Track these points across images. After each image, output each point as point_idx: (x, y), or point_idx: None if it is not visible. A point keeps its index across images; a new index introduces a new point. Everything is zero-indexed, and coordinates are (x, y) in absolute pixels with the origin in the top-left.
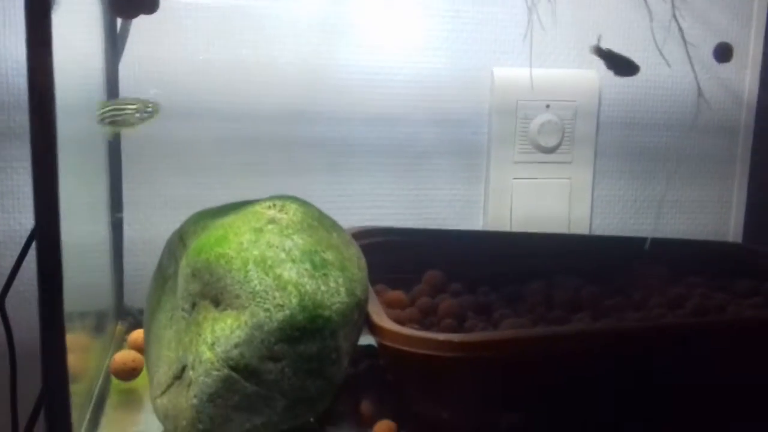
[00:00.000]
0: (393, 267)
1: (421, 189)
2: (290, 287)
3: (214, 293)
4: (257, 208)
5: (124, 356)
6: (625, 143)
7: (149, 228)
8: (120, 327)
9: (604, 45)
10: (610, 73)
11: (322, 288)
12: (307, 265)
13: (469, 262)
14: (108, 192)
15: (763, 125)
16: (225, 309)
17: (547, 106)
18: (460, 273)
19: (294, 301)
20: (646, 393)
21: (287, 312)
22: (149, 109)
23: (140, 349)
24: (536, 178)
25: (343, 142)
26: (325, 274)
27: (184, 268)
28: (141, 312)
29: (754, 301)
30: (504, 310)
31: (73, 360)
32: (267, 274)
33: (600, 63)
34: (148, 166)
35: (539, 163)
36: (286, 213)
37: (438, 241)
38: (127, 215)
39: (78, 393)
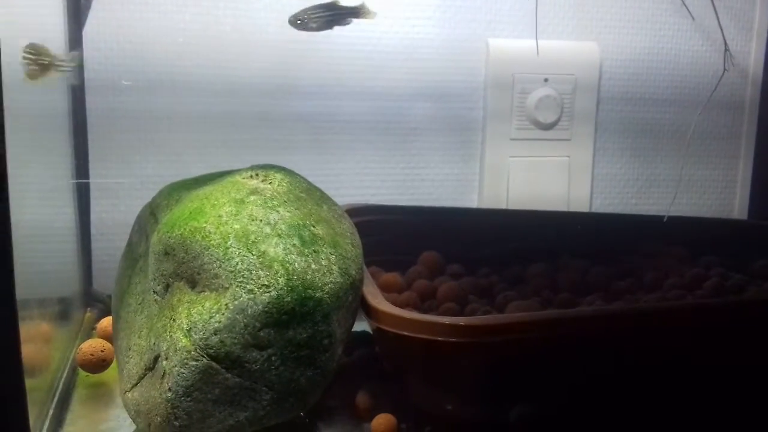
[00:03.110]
0: (386, 247)
1: (412, 167)
2: (276, 265)
3: (189, 273)
4: (237, 177)
5: (92, 346)
6: (627, 119)
7: (120, 208)
8: (89, 314)
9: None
10: (611, 46)
11: (313, 266)
12: (296, 241)
13: (466, 242)
14: (73, 170)
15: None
16: (203, 291)
17: (546, 80)
18: (458, 253)
19: (281, 280)
20: (669, 377)
21: (273, 293)
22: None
23: (110, 337)
24: (534, 156)
25: (330, 118)
26: (315, 251)
27: (155, 245)
28: (111, 297)
29: None
30: (508, 293)
31: (31, 351)
32: (250, 251)
33: (601, 35)
34: (118, 142)
35: (537, 140)
36: (270, 183)
37: (433, 219)
38: (96, 195)
39: (38, 388)
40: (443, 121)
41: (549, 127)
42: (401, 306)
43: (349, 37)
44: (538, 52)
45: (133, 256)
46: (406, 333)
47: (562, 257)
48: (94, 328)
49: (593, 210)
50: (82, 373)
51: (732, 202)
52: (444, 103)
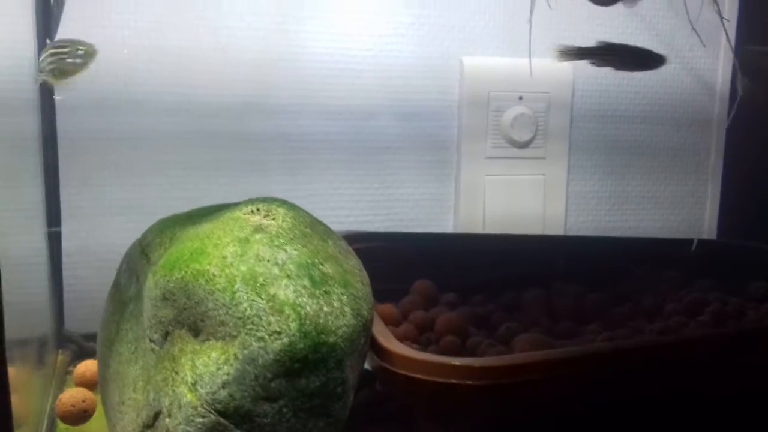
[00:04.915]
0: (374, 276)
1: (387, 188)
2: (288, 309)
3: (192, 320)
4: (238, 213)
5: (73, 396)
6: (600, 137)
7: (89, 236)
8: (61, 357)
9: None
10: (584, 64)
11: (325, 309)
12: (306, 282)
13: (456, 268)
14: (44, 196)
15: (737, 117)
16: (207, 339)
17: (520, 98)
18: (449, 280)
19: (293, 326)
20: (698, 411)
21: (285, 340)
22: (80, 52)
23: (90, 385)
24: (509, 175)
25: (302, 137)
26: (326, 292)
27: (151, 289)
28: (86, 338)
29: None
30: (509, 324)
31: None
32: (259, 295)
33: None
34: (86, 165)
35: (512, 158)
36: (273, 219)
37: (421, 245)
38: (64, 222)
39: None
40: (418, 139)
41: (524, 145)
42: (401, 340)
43: (321, 54)
44: (531, 73)
45: (121, 299)
46: (420, 376)
47: (556, 282)
48: (68, 373)
49: (568, 229)
50: (60, 425)
51: (702, 217)
52: (418, 122)
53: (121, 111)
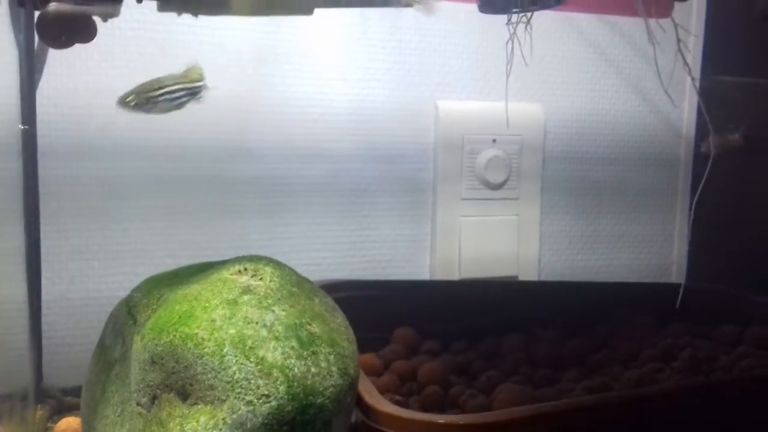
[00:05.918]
0: (354, 324)
1: (363, 230)
2: (276, 372)
3: (180, 384)
4: (225, 274)
5: None
6: (570, 178)
7: (64, 283)
8: (40, 412)
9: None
10: (554, 107)
11: (313, 370)
12: (294, 343)
13: (435, 315)
14: (25, 241)
15: (701, 157)
16: (196, 403)
17: (494, 141)
18: (429, 327)
19: (281, 389)
20: None
21: (274, 403)
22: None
23: None
24: (484, 216)
25: (279, 181)
26: (314, 352)
27: (139, 352)
28: (65, 393)
29: (744, 351)
30: (489, 373)
31: None
32: (248, 358)
33: (545, 96)
34: (60, 210)
35: (486, 199)
36: (261, 279)
37: (398, 293)
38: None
39: None
40: (394, 182)
41: (498, 186)
42: (383, 391)
43: (299, 99)
44: (508, 125)
45: (106, 359)
46: None
47: (535, 329)
48: (48, 429)
49: (541, 268)
50: None
51: (670, 256)
52: (394, 165)
53: (100, 156)
